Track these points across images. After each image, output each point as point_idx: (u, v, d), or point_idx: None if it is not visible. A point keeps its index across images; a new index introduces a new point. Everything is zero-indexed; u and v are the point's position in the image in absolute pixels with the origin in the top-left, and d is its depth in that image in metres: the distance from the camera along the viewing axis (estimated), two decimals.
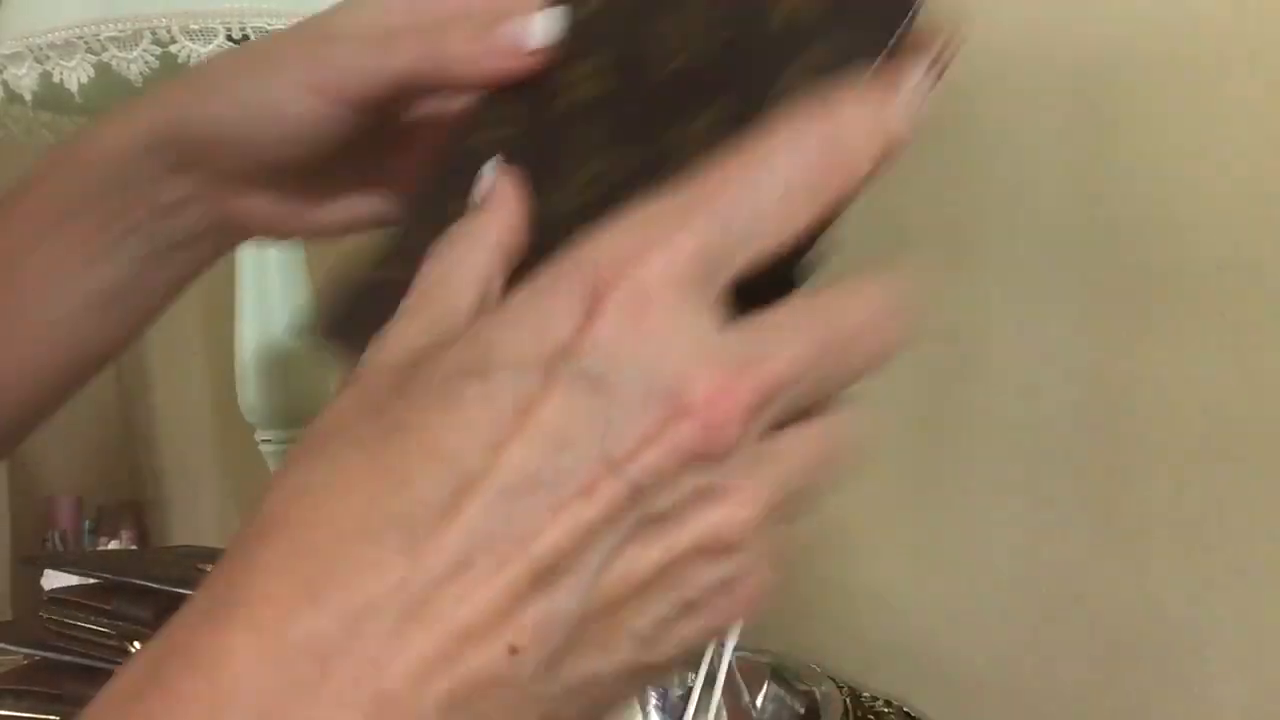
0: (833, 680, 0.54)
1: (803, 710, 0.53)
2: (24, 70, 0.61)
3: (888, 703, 0.60)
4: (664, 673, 0.23)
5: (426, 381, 0.21)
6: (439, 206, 0.31)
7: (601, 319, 0.20)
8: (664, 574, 0.21)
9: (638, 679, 0.22)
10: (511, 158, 0.30)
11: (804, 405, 0.23)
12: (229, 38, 0.61)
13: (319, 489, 0.21)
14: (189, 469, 1.54)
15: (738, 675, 0.55)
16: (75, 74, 0.61)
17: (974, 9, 0.57)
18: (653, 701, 0.56)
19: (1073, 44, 0.50)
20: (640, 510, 0.20)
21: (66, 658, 0.66)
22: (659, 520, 0.20)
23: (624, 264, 0.21)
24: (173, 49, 0.60)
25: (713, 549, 0.21)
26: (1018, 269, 0.53)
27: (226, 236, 0.38)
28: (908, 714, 0.59)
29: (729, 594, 0.22)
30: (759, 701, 0.55)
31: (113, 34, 0.60)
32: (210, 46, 0.60)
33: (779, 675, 0.55)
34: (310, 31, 0.33)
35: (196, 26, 0.60)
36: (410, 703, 0.19)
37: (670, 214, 0.21)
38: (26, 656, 0.68)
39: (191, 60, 0.60)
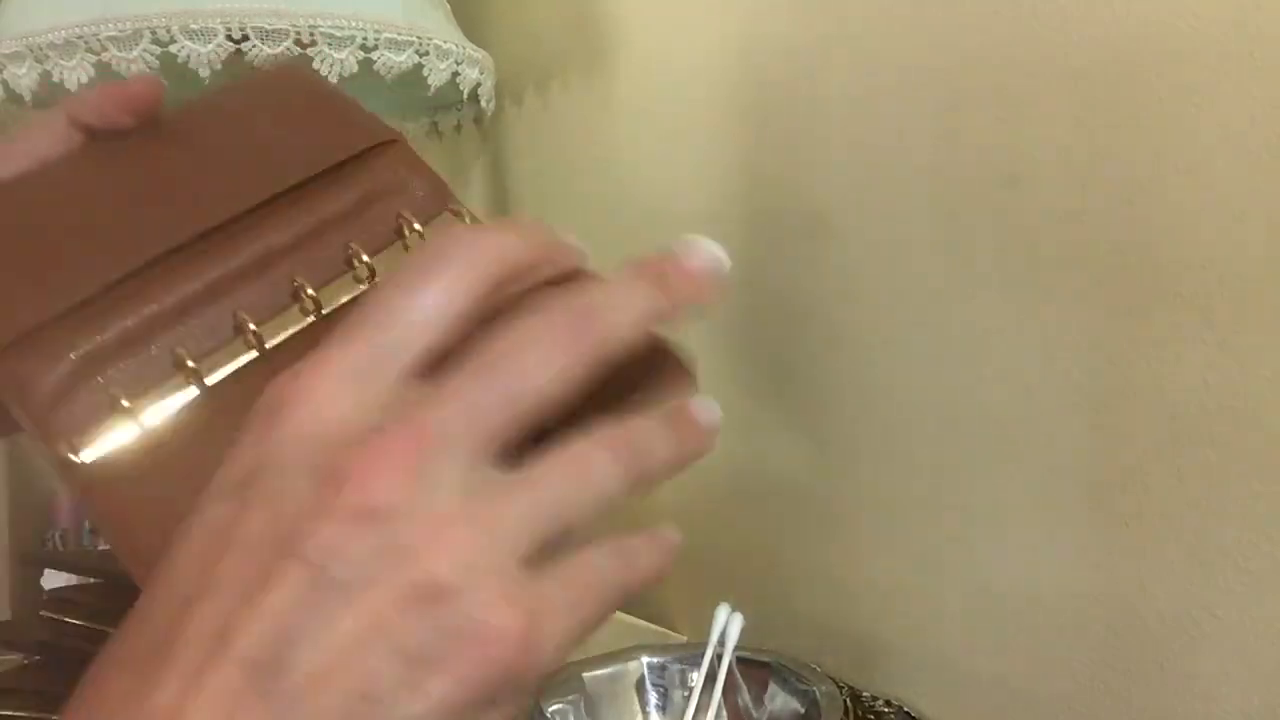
0: (833, 680, 0.54)
1: (803, 710, 0.53)
2: (24, 70, 0.61)
3: (888, 703, 0.60)
4: None
5: None
6: None
7: (271, 433, 0.22)
8: (370, 635, 0.21)
9: None
10: None
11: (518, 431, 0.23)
12: (229, 38, 0.61)
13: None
14: None
15: (738, 675, 0.55)
16: (75, 74, 0.61)
17: (975, 9, 0.57)
18: (653, 701, 0.56)
19: (1073, 44, 0.50)
20: (326, 583, 0.21)
21: (66, 658, 0.66)
22: (345, 587, 0.21)
23: (291, 376, 0.23)
24: (173, 49, 0.60)
25: (420, 600, 0.21)
26: (1018, 269, 0.53)
27: None
28: (908, 714, 0.59)
29: (464, 641, 0.21)
30: (760, 701, 0.55)
31: (113, 34, 0.60)
32: (210, 46, 0.60)
33: (779, 675, 0.55)
34: None
35: (196, 26, 0.60)
36: None
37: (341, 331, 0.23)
38: (26, 656, 0.68)
39: (191, 60, 0.60)
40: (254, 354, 0.31)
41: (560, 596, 0.23)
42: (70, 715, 0.21)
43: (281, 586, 0.21)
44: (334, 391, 0.23)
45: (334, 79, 0.64)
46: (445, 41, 0.69)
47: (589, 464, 0.24)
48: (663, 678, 0.57)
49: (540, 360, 0.23)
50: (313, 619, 0.21)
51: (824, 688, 0.52)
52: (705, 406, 0.28)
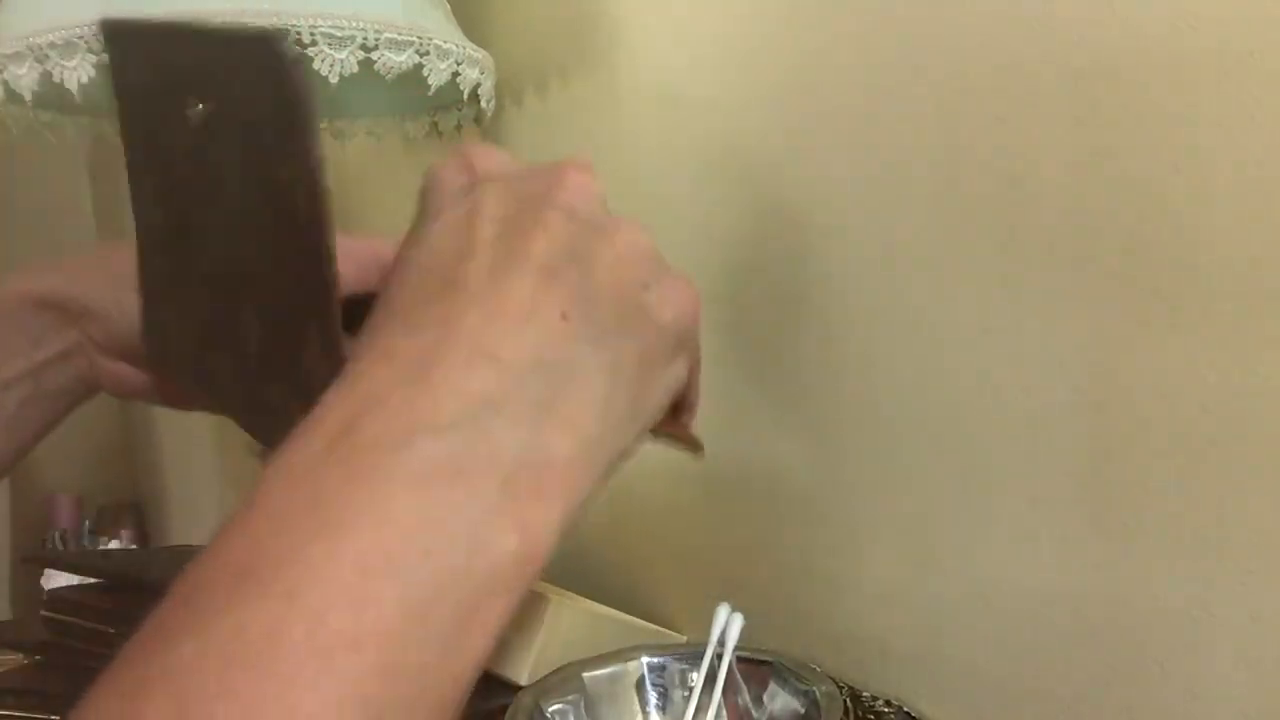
0: (833, 680, 0.54)
1: (803, 710, 0.53)
2: (24, 70, 0.61)
3: (888, 703, 0.60)
4: (669, 350, 0.30)
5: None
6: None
7: (472, 172, 0.31)
8: (619, 264, 0.29)
9: (657, 352, 0.29)
10: None
11: None
12: None
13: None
14: (189, 469, 1.54)
15: (738, 675, 0.55)
16: (75, 74, 0.61)
17: (975, 8, 0.57)
18: (653, 701, 0.56)
19: (1073, 44, 0.50)
20: (579, 225, 0.29)
21: (66, 658, 0.66)
22: (596, 227, 0.29)
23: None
24: None
25: (636, 257, 0.29)
26: (1017, 268, 0.53)
27: (91, 391, 0.45)
28: (908, 714, 0.59)
29: (678, 292, 0.30)
30: (759, 701, 0.55)
31: None
32: None
33: (779, 675, 0.55)
34: None
35: None
36: (512, 362, 0.26)
37: None
38: (27, 656, 0.68)
39: None
40: None
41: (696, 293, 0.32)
42: (370, 366, 0.26)
43: (550, 225, 0.28)
44: (503, 157, 0.31)
45: (334, 79, 0.64)
46: (445, 41, 0.69)
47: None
48: (663, 678, 0.57)
49: None
50: (581, 243, 0.28)
51: (824, 688, 0.52)
52: None
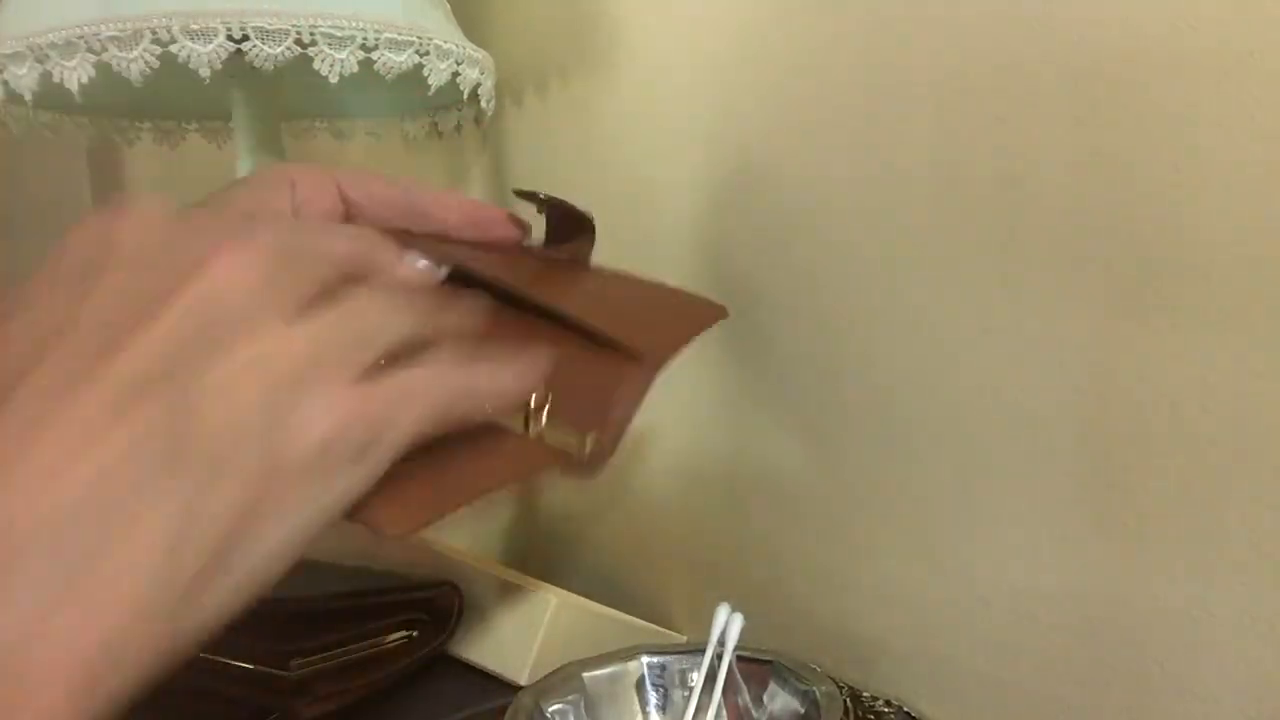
0: (833, 680, 0.54)
1: (803, 710, 0.53)
2: (24, 70, 0.61)
3: (888, 703, 0.60)
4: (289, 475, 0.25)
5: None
6: None
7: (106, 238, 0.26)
8: (238, 381, 0.24)
9: (284, 485, 0.24)
10: None
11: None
12: (229, 37, 0.61)
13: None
14: None
15: (738, 675, 0.55)
16: (75, 74, 0.61)
17: (975, 8, 0.57)
18: (653, 701, 0.56)
19: (1073, 44, 0.50)
20: (196, 330, 0.24)
21: None
22: (218, 339, 0.24)
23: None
24: (173, 49, 0.60)
25: (269, 370, 0.24)
26: (1017, 268, 0.53)
27: None
28: (908, 714, 0.60)
29: (323, 396, 0.25)
30: (759, 701, 0.55)
31: (113, 34, 0.60)
32: (210, 46, 0.60)
33: (779, 675, 0.55)
34: None
35: (197, 26, 0.60)
36: (23, 518, 0.21)
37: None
38: None
39: (191, 60, 0.60)
40: None
41: (392, 395, 0.27)
42: None
43: (151, 333, 0.23)
44: (155, 226, 0.26)
45: (334, 79, 0.64)
46: (445, 41, 0.69)
47: (374, 306, 0.28)
48: (663, 678, 0.57)
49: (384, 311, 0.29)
50: (192, 355, 0.23)
51: (824, 688, 0.52)
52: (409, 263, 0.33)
